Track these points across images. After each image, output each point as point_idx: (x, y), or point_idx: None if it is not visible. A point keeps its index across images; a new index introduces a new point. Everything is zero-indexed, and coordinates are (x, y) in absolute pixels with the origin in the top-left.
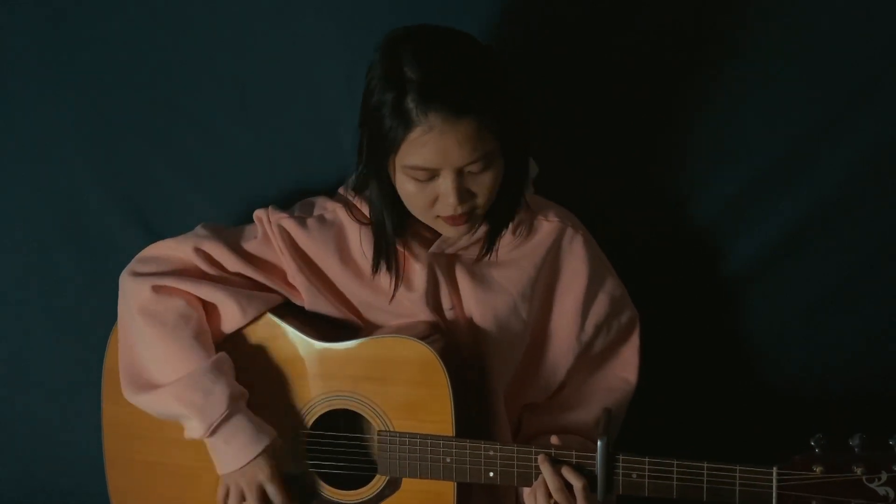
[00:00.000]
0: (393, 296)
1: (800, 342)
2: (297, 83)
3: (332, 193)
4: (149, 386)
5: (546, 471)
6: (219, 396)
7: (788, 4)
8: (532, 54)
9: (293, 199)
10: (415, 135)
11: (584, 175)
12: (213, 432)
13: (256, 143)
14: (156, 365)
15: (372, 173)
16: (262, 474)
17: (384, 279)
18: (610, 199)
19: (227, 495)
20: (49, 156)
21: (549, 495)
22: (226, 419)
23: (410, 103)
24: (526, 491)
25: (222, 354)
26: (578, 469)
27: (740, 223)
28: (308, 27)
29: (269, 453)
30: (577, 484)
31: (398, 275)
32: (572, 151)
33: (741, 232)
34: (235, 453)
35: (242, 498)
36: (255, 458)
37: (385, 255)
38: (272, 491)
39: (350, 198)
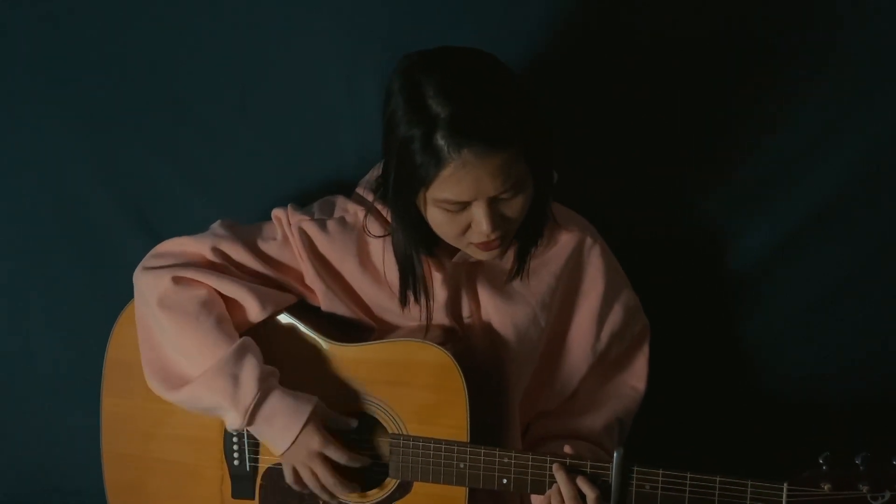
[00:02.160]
0: (428, 327)
1: (799, 342)
2: (298, 84)
3: (349, 193)
4: (180, 381)
5: (561, 479)
6: (247, 380)
7: (789, 5)
8: (532, 55)
9: (294, 200)
10: (448, 171)
11: (584, 175)
12: (252, 418)
13: (257, 143)
14: (182, 357)
15: (399, 205)
16: (315, 443)
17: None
18: (610, 200)
19: (295, 478)
20: (49, 156)
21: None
22: (259, 401)
23: (441, 140)
24: (538, 498)
25: (246, 338)
26: (592, 479)
27: (740, 223)
28: (308, 28)
29: (316, 420)
30: (590, 494)
31: (429, 304)
32: (572, 152)
33: (741, 232)
34: (282, 431)
35: (313, 473)
36: (302, 430)
37: (413, 288)
38: (333, 454)
39: (372, 202)
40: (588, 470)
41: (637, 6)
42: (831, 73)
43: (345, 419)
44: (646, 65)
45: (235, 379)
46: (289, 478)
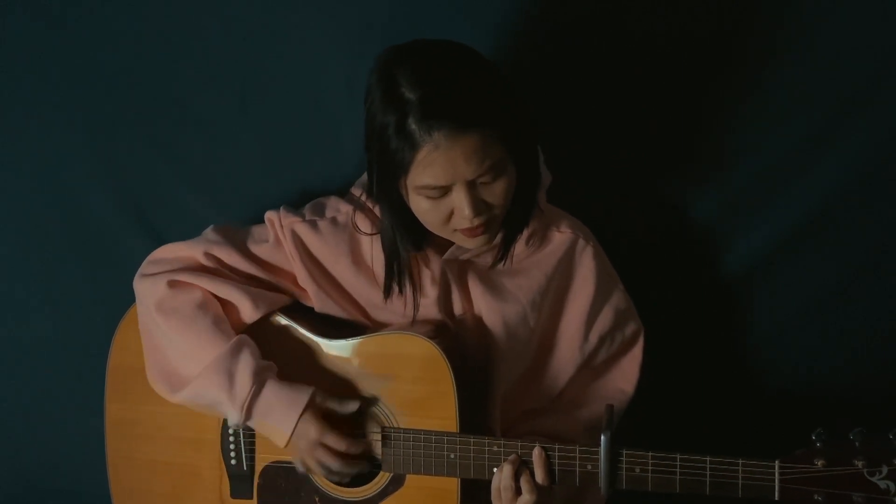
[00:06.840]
0: (414, 318)
1: (799, 342)
2: (299, 84)
3: (343, 193)
4: (182, 382)
5: (507, 472)
6: (242, 375)
7: (789, 6)
8: (531, 56)
9: (294, 200)
10: (422, 155)
11: (583, 176)
12: (249, 413)
13: (258, 144)
14: (182, 359)
15: (383, 196)
16: (313, 432)
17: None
18: (609, 200)
19: (306, 469)
20: (50, 156)
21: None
22: (255, 395)
23: (413, 124)
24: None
25: (242, 336)
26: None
27: (740, 223)
28: (309, 28)
29: (312, 409)
30: (527, 497)
31: (415, 294)
32: (570, 153)
33: (741, 232)
34: (279, 423)
35: (319, 462)
36: (299, 420)
37: (398, 279)
38: (331, 442)
39: (363, 200)
40: (576, 455)
41: (636, 9)
42: (831, 73)
43: (345, 402)
44: (646, 67)
45: (231, 375)
46: (301, 470)
